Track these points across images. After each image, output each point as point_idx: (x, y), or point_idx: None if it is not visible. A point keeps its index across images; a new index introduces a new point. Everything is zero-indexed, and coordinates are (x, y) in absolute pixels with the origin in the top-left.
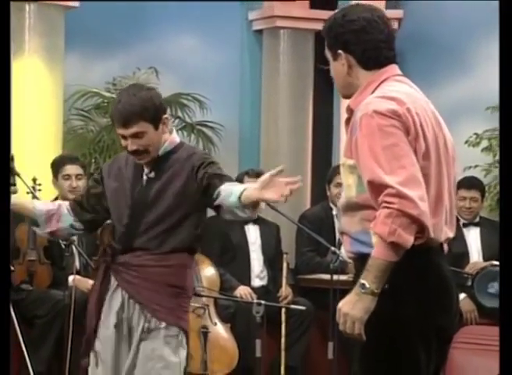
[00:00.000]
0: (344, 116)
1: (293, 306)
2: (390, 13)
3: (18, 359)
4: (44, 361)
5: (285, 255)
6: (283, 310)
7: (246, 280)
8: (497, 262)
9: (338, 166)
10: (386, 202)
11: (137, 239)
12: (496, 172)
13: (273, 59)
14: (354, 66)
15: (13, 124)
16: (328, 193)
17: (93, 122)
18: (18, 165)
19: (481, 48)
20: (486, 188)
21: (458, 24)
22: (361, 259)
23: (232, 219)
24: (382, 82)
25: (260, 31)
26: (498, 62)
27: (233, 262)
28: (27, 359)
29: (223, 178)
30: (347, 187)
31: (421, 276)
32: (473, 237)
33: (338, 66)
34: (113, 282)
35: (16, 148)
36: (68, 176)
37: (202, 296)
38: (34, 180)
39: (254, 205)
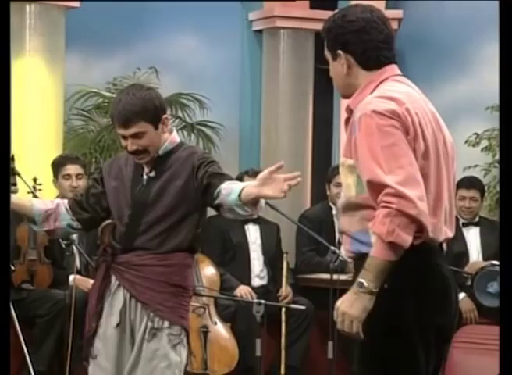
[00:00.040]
0: (344, 115)
1: (293, 306)
2: (390, 13)
3: (18, 359)
4: (45, 360)
5: (285, 255)
6: (283, 310)
7: (246, 279)
8: (497, 262)
9: (338, 166)
10: (385, 202)
11: (138, 238)
12: (495, 172)
13: (273, 59)
14: (354, 66)
15: (14, 124)
16: (328, 193)
17: (93, 122)
18: (18, 164)
19: (481, 47)
20: (486, 188)
21: (458, 24)
22: (361, 259)
23: (233, 218)
24: (381, 82)
25: (260, 31)
26: (497, 62)
27: (233, 262)
28: (28, 359)
29: (223, 177)
30: (347, 187)
31: (420, 275)
32: (472, 237)
33: (337, 66)
34: (114, 281)
35: (17, 147)
36: (68, 176)
37: (202, 295)
38: (35, 179)
39: (254, 202)
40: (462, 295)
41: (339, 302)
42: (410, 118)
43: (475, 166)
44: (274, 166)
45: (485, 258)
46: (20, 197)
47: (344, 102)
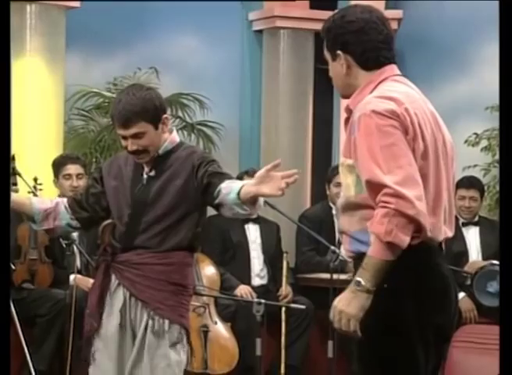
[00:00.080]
0: (344, 115)
1: (293, 305)
2: (390, 13)
3: (19, 358)
4: (46, 359)
5: (285, 254)
6: (283, 309)
7: (246, 279)
8: (496, 261)
9: (338, 166)
10: (384, 202)
11: (138, 237)
12: (495, 171)
13: (273, 59)
14: (353, 66)
15: (14, 124)
16: (328, 192)
17: (94, 122)
18: (19, 164)
19: (481, 47)
20: (485, 188)
21: (458, 24)
22: (360, 258)
23: (233, 217)
24: (380, 82)
25: (260, 31)
26: (497, 61)
27: (233, 261)
28: (28, 358)
29: (223, 176)
30: (346, 187)
31: (420, 275)
32: (472, 237)
33: (337, 67)
34: (114, 280)
35: (17, 147)
36: (69, 176)
37: (203, 295)
38: (35, 179)
39: (253, 201)
40: (462, 295)
41: (336, 301)
42: (410, 118)
43: (475, 165)
44: (271, 164)
45: (484, 258)
46: (20, 195)
47: (344, 102)
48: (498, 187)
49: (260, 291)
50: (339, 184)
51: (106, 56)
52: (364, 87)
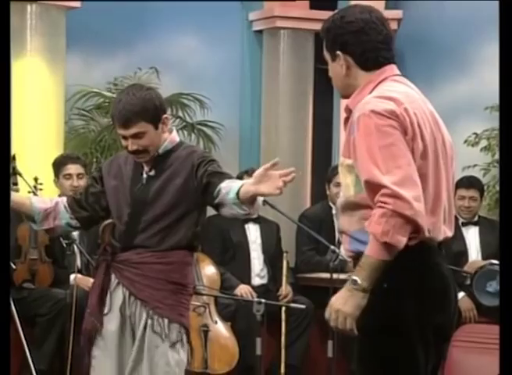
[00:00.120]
0: (344, 115)
1: (293, 305)
2: (389, 14)
3: (19, 358)
4: (46, 359)
5: (285, 254)
6: (283, 309)
7: (246, 278)
8: (496, 261)
9: (337, 166)
10: (381, 202)
11: (137, 237)
12: (494, 171)
13: (273, 59)
14: (353, 66)
15: (15, 124)
16: (328, 192)
17: (94, 122)
18: (20, 164)
19: (480, 47)
20: (485, 188)
21: (457, 24)
22: (360, 258)
23: (232, 217)
24: (380, 82)
25: (260, 31)
26: (497, 62)
27: (234, 261)
28: (29, 357)
29: (223, 176)
30: (346, 187)
31: (419, 275)
32: (472, 236)
33: (336, 67)
34: (114, 280)
35: (18, 147)
36: (69, 176)
37: (203, 295)
38: (36, 179)
39: (252, 200)
40: (461, 294)
41: (333, 299)
42: (409, 118)
43: (474, 165)
44: (269, 163)
45: (484, 258)
46: (20, 195)
47: (344, 102)
48: (497, 187)
49: (260, 290)
50: (339, 184)
51: (106, 56)
52: (363, 88)
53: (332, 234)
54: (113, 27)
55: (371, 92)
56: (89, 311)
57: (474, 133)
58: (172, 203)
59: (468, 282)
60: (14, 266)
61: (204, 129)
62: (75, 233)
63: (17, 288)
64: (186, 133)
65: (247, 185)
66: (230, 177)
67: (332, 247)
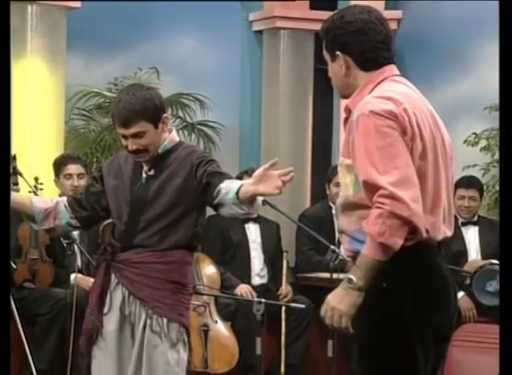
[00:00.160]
0: (344, 115)
1: (293, 304)
2: (389, 14)
3: (20, 357)
4: (47, 358)
5: (285, 254)
6: (283, 308)
7: (246, 278)
8: (495, 261)
9: (337, 166)
10: (379, 203)
11: (137, 236)
12: (494, 171)
13: (273, 60)
14: (352, 66)
15: (16, 124)
16: (328, 192)
17: (94, 122)
18: (20, 164)
19: (480, 48)
20: (484, 187)
21: (457, 24)
22: None
23: (231, 216)
24: (379, 82)
25: (260, 32)
26: (496, 61)
27: (234, 261)
28: (29, 357)
29: (222, 176)
30: (345, 187)
31: (419, 274)
32: (471, 236)
33: (336, 67)
34: (113, 279)
35: (19, 147)
36: (70, 176)
37: (203, 294)
38: (36, 179)
39: (251, 200)
40: (461, 294)
41: (328, 297)
42: (408, 118)
43: (474, 165)
44: (268, 163)
45: (483, 257)
46: (20, 195)
47: (344, 102)
48: (497, 187)
49: (260, 290)
50: (338, 184)
51: (107, 56)
52: (363, 88)
53: (332, 234)
54: (113, 28)
55: (370, 92)
56: (89, 310)
57: (474, 133)
58: (172, 203)
59: (468, 282)
60: (14, 266)
61: (205, 129)
62: (75, 233)
63: (18, 288)
64: (186, 133)
65: (247, 185)
66: (230, 177)
67: (332, 247)
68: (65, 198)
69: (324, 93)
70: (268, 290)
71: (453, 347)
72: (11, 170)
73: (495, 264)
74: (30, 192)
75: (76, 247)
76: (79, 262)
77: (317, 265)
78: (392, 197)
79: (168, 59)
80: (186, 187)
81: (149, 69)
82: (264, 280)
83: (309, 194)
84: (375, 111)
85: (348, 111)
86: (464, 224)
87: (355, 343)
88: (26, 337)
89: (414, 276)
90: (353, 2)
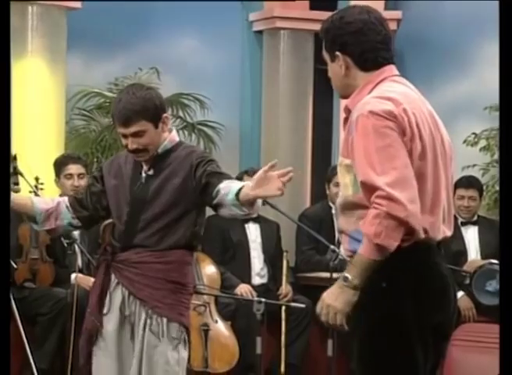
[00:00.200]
0: (343, 115)
1: (293, 304)
2: (389, 14)
3: (20, 357)
4: (47, 358)
5: (285, 254)
6: (283, 308)
7: (246, 278)
8: (495, 261)
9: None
10: (376, 203)
11: (136, 236)
12: (493, 171)
13: (273, 60)
14: (352, 67)
15: (16, 124)
16: (328, 192)
17: (95, 122)
18: (21, 164)
19: (480, 48)
20: (484, 187)
21: (457, 24)
22: None
23: (231, 217)
24: (379, 82)
25: (260, 32)
26: (496, 61)
27: (234, 261)
28: (30, 357)
29: (222, 176)
30: (344, 187)
31: (419, 274)
32: (471, 236)
33: (335, 67)
34: (113, 279)
35: (19, 147)
36: (70, 176)
37: (203, 294)
38: (37, 179)
39: (251, 202)
40: (460, 294)
41: (324, 294)
42: (407, 118)
43: (474, 165)
44: (268, 165)
45: (483, 257)
46: (20, 196)
47: (344, 102)
48: (497, 187)
49: (260, 289)
50: (338, 184)
51: (107, 57)
52: (362, 88)
53: (331, 234)
54: (114, 28)
55: (370, 92)
56: (89, 311)
57: (474, 133)
58: (171, 202)
59: (467, 281)
60: (15, 266)
61: (205, 129)
62: (76, 233)
63: (18, 288)
64: (186, 133)
65: (247, 189)
66: (229, 178)
67: (332, 246)
68: (66, 198)
69: (324, 93)
70: (268, 289)
71: (452, 346)
72: (11, 170)
73: (494, 264)
74: (30, 192)
75: (76, 247)
76: (79, 261)
77: (317, 264)
78: (389, 198)
79: (168, 59)
80: (185, 186)
81: (149, 69)
82: (265, 280)
83: (309, 194)
84: (375, 111)
85: (348, 111)
86: (463, 224)
87: (355, 342)
88: (26, 337)
89: (414, 275)
90: (352, 2)
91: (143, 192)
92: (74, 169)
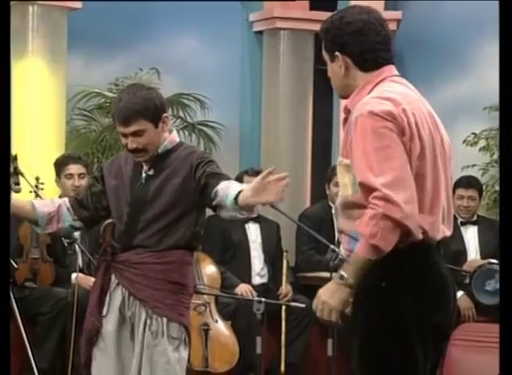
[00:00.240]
0: (343, 115)
1: (293, 304)
2: (389, 14)
3: (21, 356)
4: (48, 357)
5: (285, 253)
6: (283, 308)
7: (246, 277)
8: (495, 260)
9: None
10: (373, 204)
11: (137, 237)
12: (493, 171)
13: (273, 60)
14: (351, 67)
15: (17, 124)
16: (328, 192)
17: (95, 122)
18: (21, 164)
19: (479, 48)
20: (484, 187)
21: (457, 24)
22: None
23: (230, 218)
24: (378, 83)
25: (260, 32)
26: (496, 62)
27: (234, 260)
28: (31, 356)
29: (220, 177)
30: (344, 186)
31: (418, 274)
32: (471, 236)
33: (335, 68)
34: (113, 280)
35: (20, 147)
36: (71, 176)
37: (203, 294)
38: (37, 179)
39: (250, 207)
40: (460, 293)
41: (320, 291)
42: (407, 119)
43: (473, 165)
44: (265, 172)
45: (483, 257)
46: (21, 199)
47: (344, 103)
48: (496, 187)
49: (260, 289)
50: (338, 184)
51: (107, 57)
52: (362, 88)
53: (331, 234)
54: (114, 28)
55: (369, 93)
56: (89, 311)
57: (473, 133)
58: (171, 203)
59: (467, 281)
60: (16, 265)
61: (205, 129)
62: (76, 233)
63: (19, 287)
64: (186, 133)
65: (246, 196)
66: (228, 178)
67: (332, 246)
68: (66, 200)
69: (324, 93)
70: (268, 289)
71: (452, 346)
72: (12, 170)
73: (494, 263)
74: (31, 192)
75: (77, 246)
76: (80, 261)
77: (317, 264)
78: (386, 199)
79: (168, 59)
80: (185, 187)
81: (150, 69)
82: (265, 280)
83: (309, 194)
84: (374, 112)
85: (347, 111)
86: (463, 224)
87: (355, 342)
88: (27, 337)
89: (414, 275)
90: (352, 3)
91: (143, 192)
92: (75, 169)
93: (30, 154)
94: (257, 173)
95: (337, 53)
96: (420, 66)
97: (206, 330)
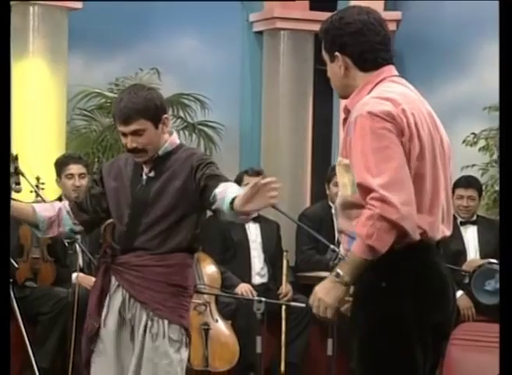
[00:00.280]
0: (343, 115)
1: (293, 303)
2: (389, 15)
3: (21, 356)
4: (48, 357)
5: (285, 253)
6: (283, 307)
7: (246, 277)
8: (494, 260)
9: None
10: (370, 205)
11: (137, 239)
12: (492, 171)
13: (273, 60)
14: (351, 67)
15: (17, 124)
16: (328, 192)
17: (96, 122)
18: (22, 164)
19: (479, 48)
20: (483, 187)
21: (457, 24)
22: None
23: (230, 222)
24: (378, 83)
25: (260, 32)
26: (496, 61)
27: (234, 260)
28: (31, 356)
29: (219, 179)
30: (343, 186)
31: (418, 274)
32: (470, 236)
33: (335, 68)
34: (114, 282)
35: (20, 147)
36: (71, 176)
37: (203, 293)
38: (38, 179)
39: (245, 213)
40: (460, 293)
41: (316, 288)
42: (406, 119)
43: (473, 165)
44: (252, 184)
45: (482, 257)
46: (22, 203)
47: (343, 103)
48: (496, 187)
49: (260, 289)
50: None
51: (108, 57)
52: (362, 88)
53: (331, 233)
54: (114, 28)
55: (369, 93)
56: (89, 312)
57: (473, 133)
58: (172, 205)
59: (467, 281)
60: (16, 265)
61: (205, 129)
62: None
63: (19, 287)
64: (187, 133)
65: (241, 204)
66: (226, 180)
67: (332, 246)
68: (66, 203)
69: (324, 93)
70: (268, 289)
71: (451, 346)
72: (13, 170)
73: (493, 263)
74: (31, 192)
75: (77, 246)
76: (80, 261)
77: (317, 264)
78: (383, 200)
79: (168, 59)
80: (186, 189)
81: (150, 69)
82: (265, 280)
83: (309, 193)
84: (373, 112)
85: (347, 111)
86: (462, 224)
87: (355, 342)
88: (27, 336)
89: (413, 275)
90: (352, 3)
91: (144, 194)
92: (75, 169)
93: (31, 154)
94: (257, 173)
95: (337, 53)
96: (420, 66)
97: (206, 329)
